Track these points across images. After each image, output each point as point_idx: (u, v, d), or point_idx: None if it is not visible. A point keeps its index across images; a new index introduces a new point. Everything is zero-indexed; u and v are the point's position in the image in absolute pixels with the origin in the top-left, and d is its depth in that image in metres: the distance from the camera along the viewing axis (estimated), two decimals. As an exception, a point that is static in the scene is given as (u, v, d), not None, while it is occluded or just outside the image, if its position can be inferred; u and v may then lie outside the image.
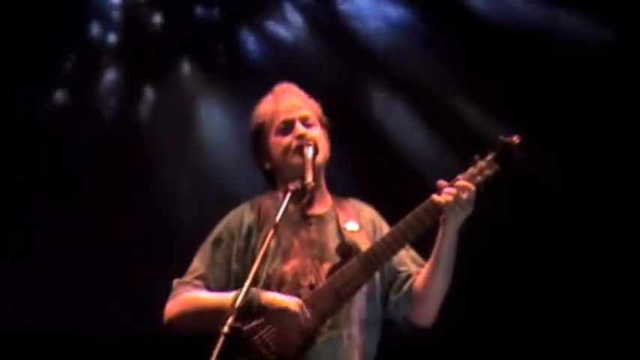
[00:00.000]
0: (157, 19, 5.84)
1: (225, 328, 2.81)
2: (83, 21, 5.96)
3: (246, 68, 5.93)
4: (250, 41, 5.85)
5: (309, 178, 3.19)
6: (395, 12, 5.71)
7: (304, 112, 3.39)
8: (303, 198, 3.19)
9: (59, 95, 6.10)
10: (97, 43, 6.02)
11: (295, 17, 5.78)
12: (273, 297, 3.14)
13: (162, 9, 5.79)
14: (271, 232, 3.02)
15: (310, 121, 3.38)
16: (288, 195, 3.13)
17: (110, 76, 6.01)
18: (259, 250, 3.03)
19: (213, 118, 5.98)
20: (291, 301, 3.12)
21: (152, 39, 5.91)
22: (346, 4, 5.77)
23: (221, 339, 2.79)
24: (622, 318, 5.21)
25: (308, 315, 3.11)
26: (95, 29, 5.96)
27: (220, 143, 5.93)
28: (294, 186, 3.17)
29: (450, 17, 5.56)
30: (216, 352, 2.77)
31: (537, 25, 5.42)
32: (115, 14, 5.93)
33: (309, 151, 3.27)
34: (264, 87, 3.51)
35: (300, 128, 3.34)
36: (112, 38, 5.98)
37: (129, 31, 5.97)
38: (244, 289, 2.91)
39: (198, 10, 5.73)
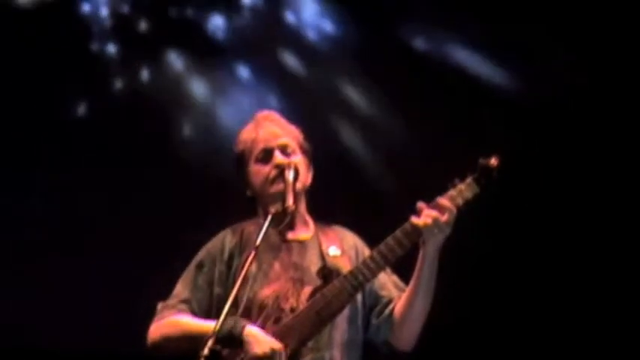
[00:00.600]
0: (142, 24, 6.27)
1: (206, 351, 2.85)
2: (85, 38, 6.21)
3: (216, 50, 6.26)
4: (217, 30, 6.30)
5: (290, 201, 3.21)
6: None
7: (283, 141, 3.39)
8: (284, 221, 3.23)
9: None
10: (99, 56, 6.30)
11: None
12: (255, 335, 3.12)
13: (144, 15, 6.31)
14: (252, 255, 3.05)
15: (290, 150, 3.39)
16: (269, 218, 3.15)
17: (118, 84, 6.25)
18: (239, 273, 3.06)
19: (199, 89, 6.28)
20: (269, 345, 3.10)
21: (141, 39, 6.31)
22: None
23: (201, 362, 2.83)
24: (601, 330, 5.23)
25: None
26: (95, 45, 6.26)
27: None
28: (274, 209, 3.20)
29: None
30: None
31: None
32: (106, 24, 6.27)
33: (290, 175, 3.28)
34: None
35: (278, 157, 3.35)
36: (111, 48, 6.29)
37: (121, 38, 6.28)
38: (224, 313, 2.95)
39: (173, 11, 6.28)
